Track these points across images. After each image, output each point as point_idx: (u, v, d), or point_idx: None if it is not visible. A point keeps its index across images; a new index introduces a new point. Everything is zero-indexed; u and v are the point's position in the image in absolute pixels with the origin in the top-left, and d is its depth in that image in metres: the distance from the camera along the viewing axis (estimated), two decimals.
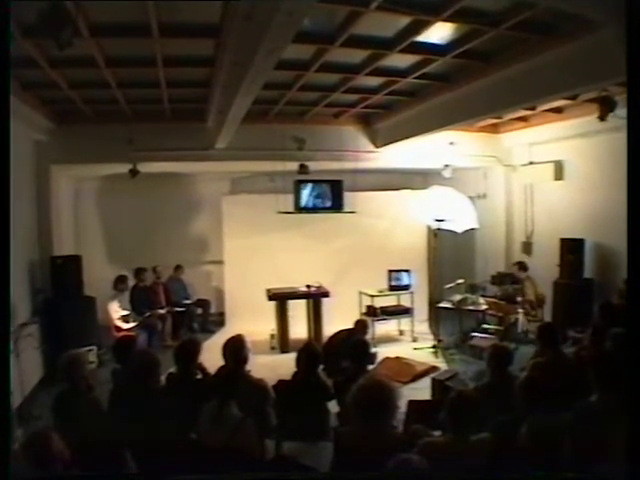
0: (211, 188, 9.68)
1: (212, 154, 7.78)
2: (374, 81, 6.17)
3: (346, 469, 2.83)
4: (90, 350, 6.32)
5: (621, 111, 5.08)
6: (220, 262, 9.43)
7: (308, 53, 5.06)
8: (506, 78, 5.32)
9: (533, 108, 7.06)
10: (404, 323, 8.39)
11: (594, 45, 4.16)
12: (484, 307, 7.85)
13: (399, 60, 5.33)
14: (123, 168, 7.44)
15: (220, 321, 9.20)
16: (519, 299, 7.78)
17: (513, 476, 2.57)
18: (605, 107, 5.33)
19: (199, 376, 4.15)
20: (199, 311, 8.84)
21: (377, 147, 8.52)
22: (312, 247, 8.99)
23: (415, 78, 5.83)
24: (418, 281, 8.67)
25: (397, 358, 6.89)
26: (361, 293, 8.28)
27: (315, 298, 7.95)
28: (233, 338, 4.11)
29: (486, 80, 5.54)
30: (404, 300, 8.35)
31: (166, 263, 8.78)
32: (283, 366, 5.45)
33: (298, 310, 8.00)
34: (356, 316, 7.53)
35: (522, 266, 8.15)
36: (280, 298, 7.88)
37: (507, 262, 9.18)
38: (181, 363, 4.04)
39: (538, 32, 4.44)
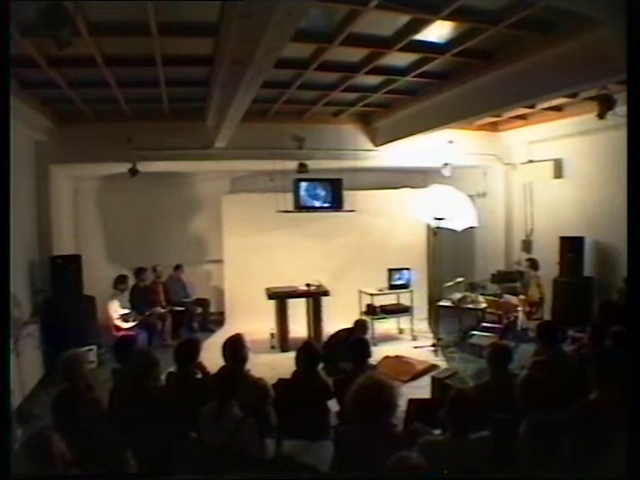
0: (211, 187, 9.66)
1: (211, 153, 7.78)
2: (373, 80, 6.16)
3: (346, 468, 2.83)
4: (90, 350, 6.33)
5: (620, 109, 5.08)
6: (220, 261, 9.44)
7: (307, 52, 5.05)
8: (505, 76, 5.32)
9: (532, 106, 7.07)
10: (404, 321, 8.38)
11: (593, 43, 4.16)
12: (484, 305, 7.85)
13: (398, 59, 5.33)
14: (122, 167, 7.44)
15: (220, 320, 9.20)
16: (522, 297, 7.78)
17: (513, 476, 2.58)
18: (604, 105, 5.33)
19: (199, 375, 4.15)
20: (199, 310, 8.84)
21: (376, 146, 8.52)
22: (312, 246, 8.99)
23: (414, 76, 5.83)
24: (418, 280, 8.67)
25: (397, 357, 6.88)
26: (361, 292, 8.28)
27: (315, 297, 7.94)
28: (233, 337, 4.11)
29: (485, 78, 5.54)
30: (404, 299, 8.34)
31: (166, 262, 8.76)
32: (283, 365, 5.45)
33: (298, 309, 8.00)
34: (356, 315, 7.54)
35: (533, 263, 8.11)
36: (280, 297, 7.87)
37: (507, 260, 9.20)
38: (181, 362, 4.05)
39: (537, 30, 4.43)
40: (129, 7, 3.78)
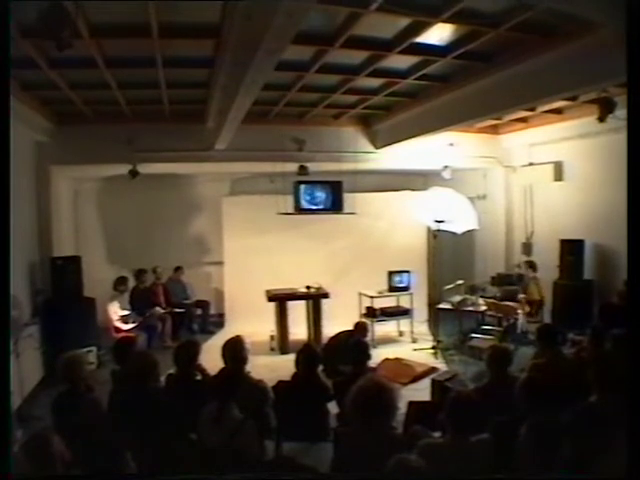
0: (211, 189, 9.67)
1: (212, 155, 7.79)
2: (374, 82, 6.17)
3: (346, 470, 2.83)
4: (90, 351, 6.34)
5: (620, 112, 5.08)
6: (220, 263, 9.42)
7: (308, 54, 5.06)
8: (506, 79, 5.33)
9: (533, 109, 7.07)
10: (404, 324, 8.38)
11: (594, 46, 4.17)
12: (483, 308, 7.84)
13: (399, 61, 5.34)
14: (123, 169, 7.45)
15: (220, 322, 9.19)
16: (521, 296, 7.78)
17: (513, 477, 2.57)
18: (605, 108, 5.34)
19: (199, 377, 4.14)
20: (199, 312, 8.84)
21: (377, 148, 8.53)
22: (312, 248, 8.98)
23: (415, 79, 5.84)
24: (418, 282, 8.66)
25: (397, 359, 6.87)
26: (361, 294, 8.28)
27: (315, 299, 7.93)
28: (232, 339, 4.10)
29: (486, 81, 5.55)
30: (404, 301, 8.35)
31: (166, 264, 8.77)
32: (283, 367, 5.44)
33: (298, 311, 8.00)
34: (356, 317, 7.53)
35: (531, 265, 8.16)
36: (280, 299, 7.86)
37: (507, 263, 9.19)
38: (181, 364, 4.04)
39: (537, 33, 4.45)
40: (130, 8, 3.79)
